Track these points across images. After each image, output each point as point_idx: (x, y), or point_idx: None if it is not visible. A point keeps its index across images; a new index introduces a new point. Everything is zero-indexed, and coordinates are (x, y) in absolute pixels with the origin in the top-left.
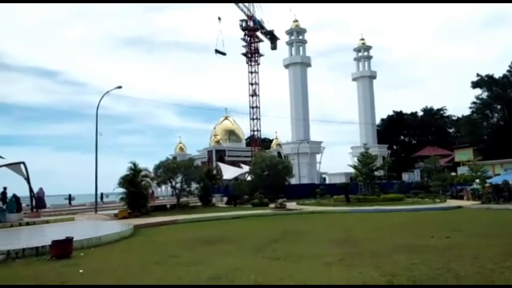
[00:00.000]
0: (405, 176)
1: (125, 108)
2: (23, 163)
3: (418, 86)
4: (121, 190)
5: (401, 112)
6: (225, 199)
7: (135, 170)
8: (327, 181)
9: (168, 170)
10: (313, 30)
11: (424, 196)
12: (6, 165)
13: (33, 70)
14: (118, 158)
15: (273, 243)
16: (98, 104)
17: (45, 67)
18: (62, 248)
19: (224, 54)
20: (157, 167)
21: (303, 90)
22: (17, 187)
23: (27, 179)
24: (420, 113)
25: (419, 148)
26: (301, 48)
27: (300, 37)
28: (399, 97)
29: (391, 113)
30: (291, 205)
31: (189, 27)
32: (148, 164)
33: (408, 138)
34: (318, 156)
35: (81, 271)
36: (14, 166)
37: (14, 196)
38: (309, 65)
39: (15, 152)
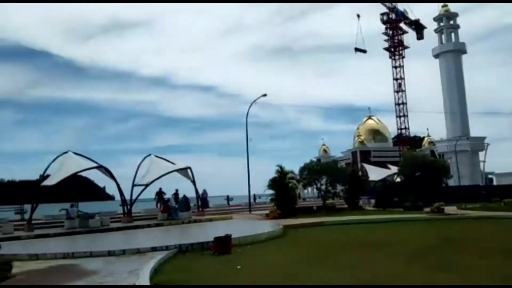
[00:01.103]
0: None
1: (272, 115)
2: (189, 168)
3: None
4: (271, 191)
5: None
6: (372, 201)
7: (282, 173)
8: (495, 182)
9: (312, 172)
10: (467, 11)
11: None
12: (176, 170)
13: (194, 87)
14: (267, 161)
15: (431, 251)
16: (248, 113)
17: (204, 83)
18: (223, 245)
19: (364, 51)
20: (302, 170)
21: (458, 80)
22: (185, 189)
23: (193, 182)
24: None
25: None
26: (452, 34)
27: (451, 22)
28: None
29: None
30: (450, 209)
31: (327, 30)
32: (293, 166)
33: None
34: (481, 154)
35: (239, 267)
36: (182, 171)
37: (184, 197)
38: (463, 52)
39: (184, 159)
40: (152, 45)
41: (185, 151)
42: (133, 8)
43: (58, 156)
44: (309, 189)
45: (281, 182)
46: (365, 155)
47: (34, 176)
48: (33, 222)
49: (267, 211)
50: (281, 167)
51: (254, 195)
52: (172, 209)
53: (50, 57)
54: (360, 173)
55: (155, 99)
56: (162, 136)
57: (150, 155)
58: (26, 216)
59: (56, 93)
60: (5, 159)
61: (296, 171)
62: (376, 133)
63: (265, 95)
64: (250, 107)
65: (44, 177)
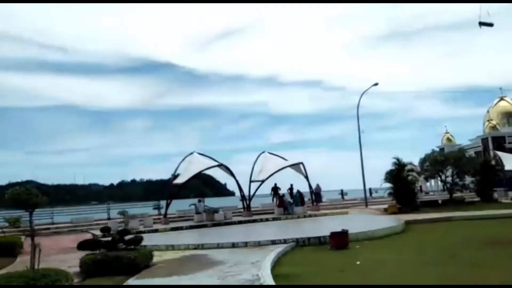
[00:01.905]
0: None
1: (385, 104)
2: (302, 163)
3: None
4: (388, 185)
5: None
6: (510, 194)
7: (399, 165)
8: None
9: (435, 163)
10: None
11: None
12: (288, 166)
13: (302, 83)
14: (382, 153)
15: None
16: (358, 104)
17: (312, 78)
18: (340, 240)
19: (491, 25)
20: (423, 161)
21: None
22: (298, 184)
23: (306, 177)
24: None
25: None
26: None
27: None
28: None
29: None
30: None
31: (444, 7)
32: (412, 158)
33: None
34: None
35: (358, 262)
36: (295, 166)
37: (298, 191)
38: None
39: (296, 154)
40: (260, 47)
41: (297, 147)
42: (241, 13)
43: (185, 157)
44: (432, 181)
45: (399, 175)
46: (499, 142)
47: (166, 175)
48: (168, 216)
49: (385, 206)
50: (398, 159)
51: (370, 189)
52: (288, 204)
53: (173, 68)
54: (493, 162)
55: (265, 99)
56: (274, 133)
57: (264, 152)
58: (162, 211)
59: (181, 100)
60: (143, 161)
61: (416, 162)
62: (511, 116)
63: (376, 84)
64: (360, 98)
65: (175, 176)
